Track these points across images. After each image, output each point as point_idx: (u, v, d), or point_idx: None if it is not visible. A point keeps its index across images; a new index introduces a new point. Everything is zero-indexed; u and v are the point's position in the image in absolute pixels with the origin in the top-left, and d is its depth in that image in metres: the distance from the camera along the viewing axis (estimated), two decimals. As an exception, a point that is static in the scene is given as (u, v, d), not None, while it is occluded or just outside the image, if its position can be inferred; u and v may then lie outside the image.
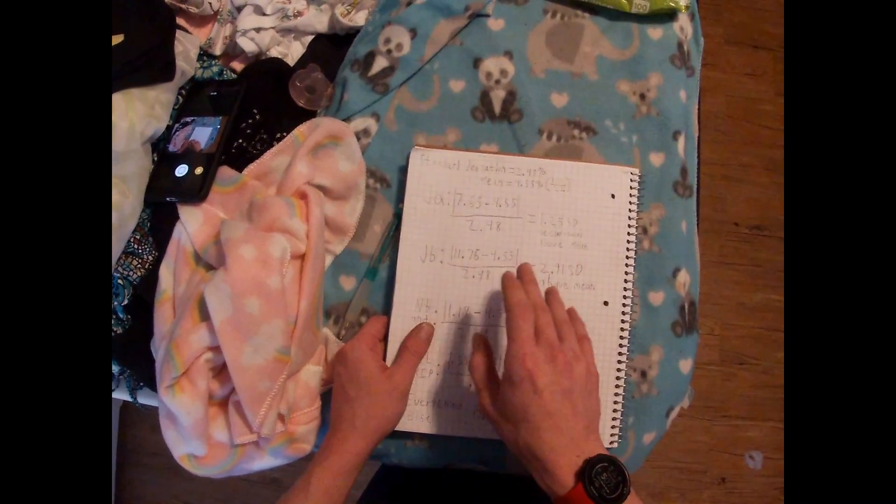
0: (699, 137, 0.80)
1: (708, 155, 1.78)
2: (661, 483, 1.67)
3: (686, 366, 0.74)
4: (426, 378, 0.69)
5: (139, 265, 0.71)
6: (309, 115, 0.76)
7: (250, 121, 0.74)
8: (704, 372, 1.70)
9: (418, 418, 0.69)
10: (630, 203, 0.72)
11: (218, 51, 0.80)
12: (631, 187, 0.72)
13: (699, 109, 0.81)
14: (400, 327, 0.69)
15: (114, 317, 0.70)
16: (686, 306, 0.75)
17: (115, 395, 0.76)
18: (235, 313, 0.61)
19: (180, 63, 0.73)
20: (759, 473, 1.67)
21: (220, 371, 0.65)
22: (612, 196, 0.72)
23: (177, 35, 0.74)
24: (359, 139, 0.73)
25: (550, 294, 0.66)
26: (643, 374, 0.72)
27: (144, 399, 0.76)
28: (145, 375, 0.72)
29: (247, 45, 0.78)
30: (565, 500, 0.52)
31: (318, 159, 0.71)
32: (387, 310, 0.71)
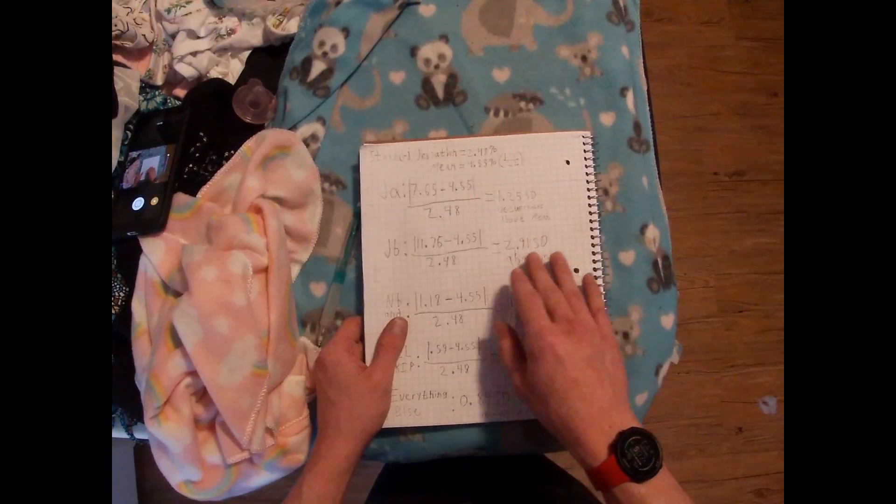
0: (649, 90, 0.80)
1: (677, 108, 1.77)
2: (678, 442, 1.67)
3: (668, 321, 0.73)
4: (408, 372, 0.69)
5: (112, 303, 0.71)
6: (255, 129, 0.76)
7: (198, 144, 0.74)
8: (705, 325, 1.70)
9: (406, 413, 0.69)
10: (586, 167, 0.72)
11: (159, 81, 0.80)
12: (584, 150, 0.72)
13: (646, 64, 0.81)
14: (374, 325, 0.69)
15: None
16: (659, 261, 0.74)
17: (114, 434, 0.76)
18: (206, 335, 0.61)
19: (122, 98, 0.74)
20: (775, 418, 1.67)
21: (203, 394, 0.65)
22: (567, 162, 0.72)
23: (115, 71, 0.74)
24: (307, 145, 0.73)
25: (556, 265, 0.68)
26: (625, 335, 0.72)
27: (141, 434, 0.76)
28: (136, 411, 0.72)
29: (186, 70, 0.78)
30: (598, 472, 0.53)
31: (269, 171, 0.71)
32: (360, 310, 0.71)
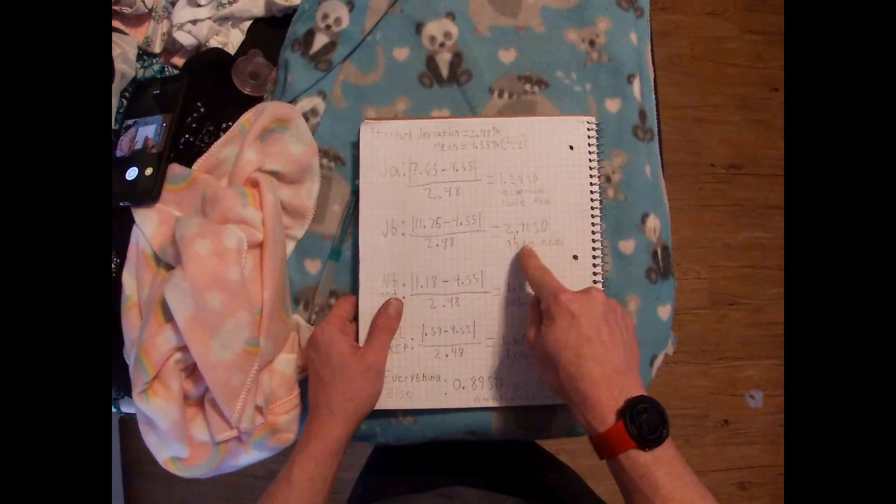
0: (655, 79, 0.79)
1: (677, 99, 1.77)
2: (664, 432, 1.67)
3: (665, 312, 0.73)
4: (402, 353, 0.68)
5: (102, 274, 0.70)
6: (254, 101, 0.74)
7: (195, 114, 0.72)
8: (696, 316, 1.70)
9: (399, 395, 0.68)
10: (589, 153, 0.71)
11: (157, 48, 0.78)
12: (589, 136, 0.71)
13: (653, 52, 0.80)
14: (369, 305, 0.68)
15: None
16: (659, 251, 0.73)
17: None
18: (198, 310, 0.60)
19: (119, 65, 0.72)
20: (761, 412, 1.68)
21: (193, 370, 0.64)
22: (571, 147, 0.71)
23: (113, 37, 0.72)
24: (307, 119, 0.72)
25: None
26: (622, 324, 0.71)
27: (127, 408, 0.75)
28: (123, 385, 0.71)
29: (185, 38, 0.76)
30: (604, 437, 0.52)
31: (267, 145, 0.70)
32: (354, 289, 0.70)
